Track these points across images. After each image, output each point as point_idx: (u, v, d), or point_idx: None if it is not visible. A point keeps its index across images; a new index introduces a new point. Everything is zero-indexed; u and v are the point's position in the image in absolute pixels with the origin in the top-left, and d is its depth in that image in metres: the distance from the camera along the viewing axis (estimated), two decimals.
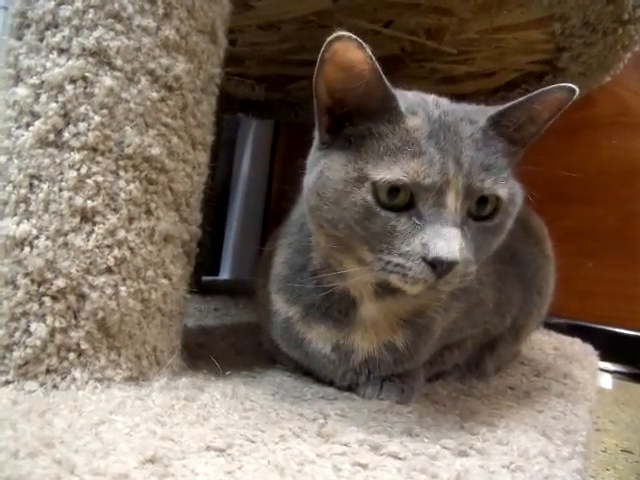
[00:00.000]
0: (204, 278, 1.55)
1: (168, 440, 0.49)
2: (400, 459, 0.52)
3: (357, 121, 0.56)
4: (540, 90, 0.55)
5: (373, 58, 0.51)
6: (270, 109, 1.47)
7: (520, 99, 0.56)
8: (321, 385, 0.72)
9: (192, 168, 0.65)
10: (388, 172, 0.52)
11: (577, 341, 1.27)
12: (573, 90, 0.55)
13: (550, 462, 0.56)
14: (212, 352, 0.80)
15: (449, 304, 0.70)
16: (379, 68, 0.52)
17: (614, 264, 1.38)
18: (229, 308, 1.23)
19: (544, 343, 1.19)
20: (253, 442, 0.52)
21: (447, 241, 0.51)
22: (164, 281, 0.62)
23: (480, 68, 1.07)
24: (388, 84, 0.53)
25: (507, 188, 0.56)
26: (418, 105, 0.56)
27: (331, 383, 0.72)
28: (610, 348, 1.30)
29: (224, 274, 1.81)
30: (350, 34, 0.50)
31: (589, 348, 1.23)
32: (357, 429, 0.58)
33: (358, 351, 0.68)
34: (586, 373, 1.00)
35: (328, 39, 0.51)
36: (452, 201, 0.52)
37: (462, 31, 0.92)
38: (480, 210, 0.55)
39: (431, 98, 0.61)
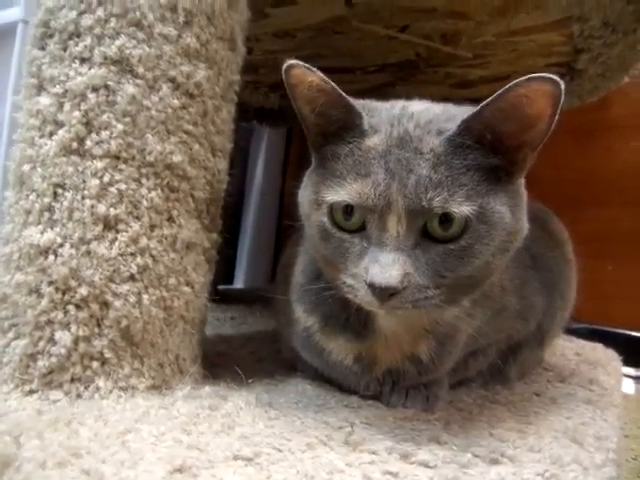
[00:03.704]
0: (220, 287, 1.55)
1: (195, 449, 0.48)
2: (430, 467, 0.51)
3: (327, 141, 0.57)
4: (510, 84, 0.48)
5: (327, 79, 0.52)
6: (284, 117, 1.47)
7: (491, 97, 0.49)
8: (344, 393, 0.71)
9: (212, 175, 0.65)
10: (336, 194, 0.53)
11: (599, 346, 1.24)
12: (553, 80, 0.47)
13: (584, 469, 0.54)
14: (232, 360, 0.79)
15: (472, 311, 0.69)
16: (336, 87, 0.53)
17: (634, 266, 1.36)
18: (246, 317, 1.22)
19: (565, 349, 1.17)
20: (280, 451, 0.51)
21: (383, 267, 0.50)
22: (186, 289, 0.62)
23: (495, 72, 1.06)
24: (351, 102, 0.54)
25: (472, 205, 0.50)
26: (386, 120, 0.55)
27: (354, 392, 0.71)
28: (632, 353, 1.27)
29: (238, 283, 1.80)
30: (299, 62, 0.52)
31: (612, 353, 1.20)
32: (384, 437, 0.56)
33: (381, 363, 0.67)
34: (611, 379, 0.98)
35: (284, 68, 0.53)
36: (394, 224, 0.51)
37: (478, 35, 0.92)
38: (444, 231, 0.51)
39: (410, 110, 0.56)
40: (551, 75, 0.48)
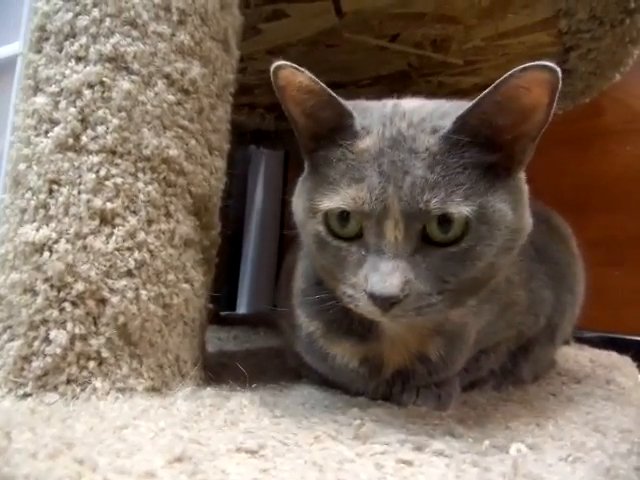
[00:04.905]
0: (222, 313, 1.53)
1: (196, 443, 0.45)
2: (447, 456, 0.48)
3: (319, 145, 0.55)
4: (505, 76, 0.47)
5: (316, 79, 0.51)
6: (280, 139, 1.49)
7: (486, 90, 0.48)
8: (352, 395, 0.68)
9: (210, 173, 0.64)
10: (330, 201, 0.51)
11: (613, 354, 1.21)
12: (549, 67, 0.46)
13: (610, 456, 0.51)
14: (234, 371, 0.77)
15: (479, 307, 0.67)
16: (326, 87, 0.51)
17: None
18: (249, 336, 1.19)
19: (578, 356, 1.13)
20: (286, 445, 0.48)
21: (382, 275, 0.48)
22: (185, 286, 0.60)
23: (487, 78, 1.07)
24: (342, 102, 0.52)
25: (471, 205, 0.48)
26: (378, 121, 0.53)
27: (362, 395, 0.68)
28: None
29: (241, 309, 1.78)
30: (287, 62, 0.51)
31: (627, 360, 1.17)
32: (396, 431, 0.54)
33: (388, 364, 0.64)
34: (629, 381, 0.94)
35: (272, 69, 0.51)
36: (391, 230, 0.49)
37: (468, 40, 0.94)
38: (444, 233, 0.49)
39: (402, 108, 0.55)
40: (547, 62, 0.47)
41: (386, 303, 0.48)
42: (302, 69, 0.51)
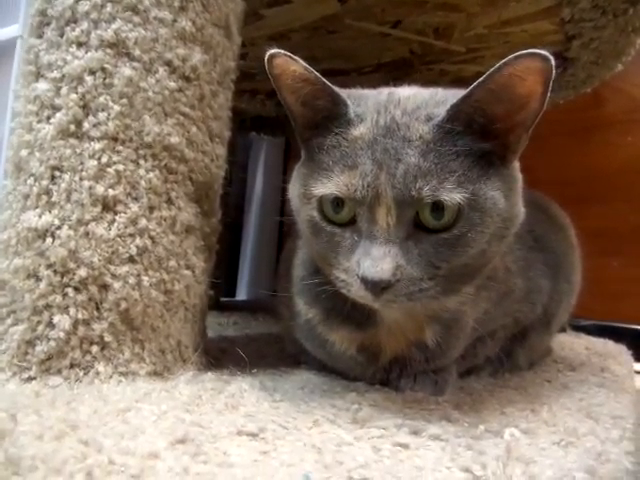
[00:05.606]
0: (222, 299, 1.54)
1: (197, 426, 0.47)
2: (442, 440, 0.49)
3: (314, 133, 0.55)
4: (498, 64, 0.47)
5: (310, 68, 0.51)
6: (281, 126, 1.48)
7: (480, 78, 0.48)
8: (350, 381, 0.69)
9: (211, 160, 0.65)
10: (324, 187, 0.52)
11: (609, 342, 1.22)
12: (542, 56, 0.46)
13: (601, 442, 0.52)
14: (234, 356, 0.78)
15: (477, 294, 0.68)
16: (320, 76, 0.52)
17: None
18: (249, 322, 1.20)
19: (574, 344, 1.15)
20: (286, 428, 0.49)
21: (374, 260, 0.48)
22: (187, 272, 0.61)
23: (490, 67, 1.06)
24: (336, 90, 0.53)
25: (463, 192, 0.49)
26: (372, 109, 0.53)
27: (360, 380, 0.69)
28: None
29: (241, 295, 1.79)
30: (281, 50, 0.51)
31: (623, 348, 1.18)
32: (393, 416, 0.55)
33: (386, 351, 0.65)
34: (623, 369, 0.96)
35: (266, 57, 0.51)
36: (382, 216, 0.49)
37: (470, 27, 0.93)
38: (437, 220, 0.50)
39: (397, 96, 0.55)
40: (540, 51, 0.46)
41: (377, 287, 0.49)
42: (296, 57, 0.51)
